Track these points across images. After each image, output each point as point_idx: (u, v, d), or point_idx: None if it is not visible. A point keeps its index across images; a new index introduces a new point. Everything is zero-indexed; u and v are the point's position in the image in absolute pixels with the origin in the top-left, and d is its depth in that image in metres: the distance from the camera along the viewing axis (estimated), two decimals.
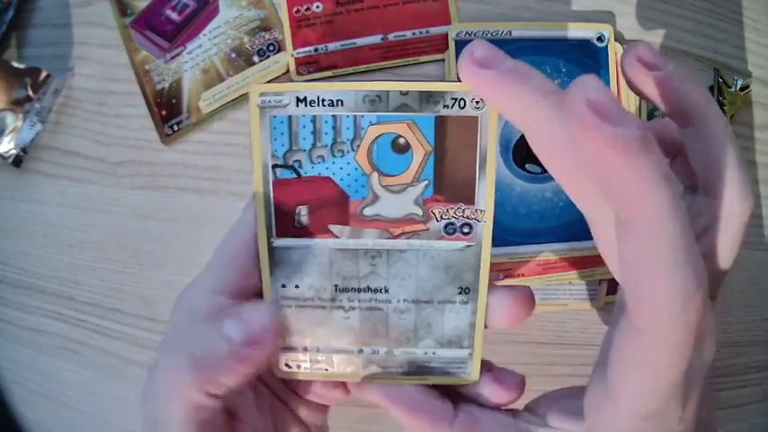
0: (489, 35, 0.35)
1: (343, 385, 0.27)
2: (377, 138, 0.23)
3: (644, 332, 0.18)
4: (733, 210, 0.21)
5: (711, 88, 0.36)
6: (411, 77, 0.36)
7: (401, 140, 0.22)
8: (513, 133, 0.36)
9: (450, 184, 0.23)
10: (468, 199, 0.23)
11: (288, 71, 0.36)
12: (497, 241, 0.35)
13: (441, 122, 0.22)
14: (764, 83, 0.37)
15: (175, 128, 0.37)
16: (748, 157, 0.37)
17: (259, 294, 0.24)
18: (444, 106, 0.22)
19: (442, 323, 0.24)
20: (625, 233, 0.17)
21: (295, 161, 0.23)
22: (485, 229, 0.23)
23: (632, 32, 0.36)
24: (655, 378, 0.18)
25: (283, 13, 0.36)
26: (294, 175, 0.23)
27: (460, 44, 0.35)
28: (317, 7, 0.36)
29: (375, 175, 0.23)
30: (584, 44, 0.35)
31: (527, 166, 0.36)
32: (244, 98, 0.36)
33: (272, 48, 0.37)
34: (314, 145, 0.23)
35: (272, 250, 0.23)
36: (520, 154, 0.35)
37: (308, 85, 0.22)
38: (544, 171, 0.35)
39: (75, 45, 0.38)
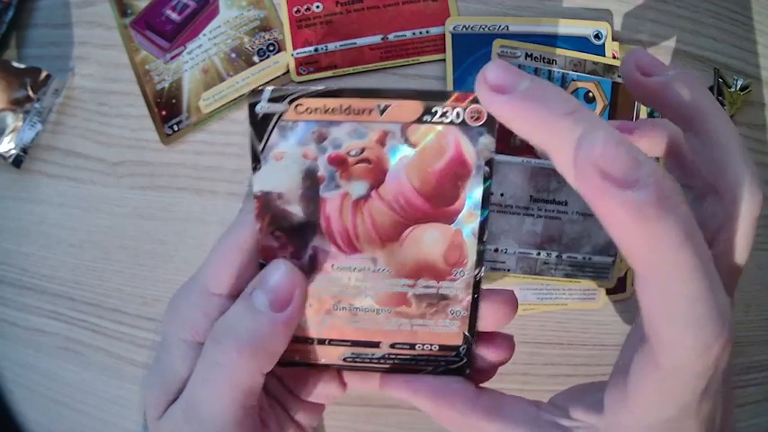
0: (486, 29, 0.35)
1: (341, 380, 0.27)
2: (576, 90, 0.35)
3: (662, 366, 0.17)
4: (743, 208, 0.21)
5: (711, 88, 0.36)
6: (411, 77, 0.36)
7: (590, 94, 0.34)
8: None
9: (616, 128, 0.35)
10: None
11: (288, 71, 0.36)
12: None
13: (615, 86, 0.35)
14: (764, 83, 0.37)
15: (175, 128, 0.37)
16: None
17: None
18: (618, 76, 0.34)
19: (598, 234, 0.33)
20: (642, 286, 0.17)
21: None
22: None
23: (632, 32, 0.36)
24: (670, 400, 0.18)
25: (283, 13, 0.36)
26: None
27: (457, 37, 0.35)
28: (317, 7, 0.36)
29: None
30: (581, 41, 0.35)
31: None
32: (244, 98, 0.36)
33: (272, 48, 0.37)
34: None
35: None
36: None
37: (535, 46, 0.34)
38: None
39: (76, 45, 0.38)
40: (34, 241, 0.38)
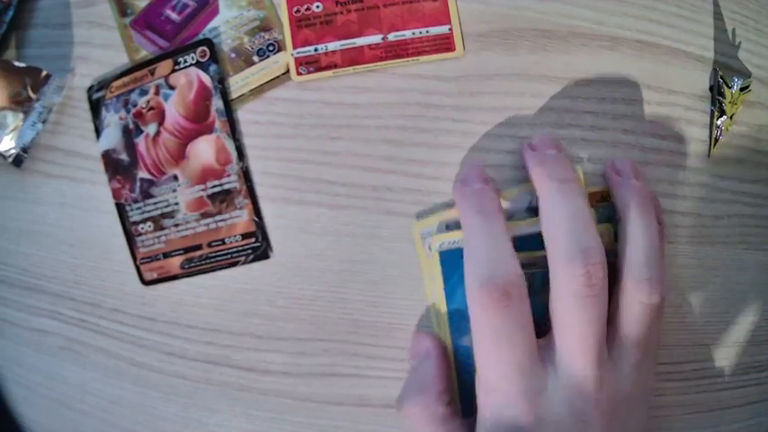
0: None
1: None
2: None
3: None
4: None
5: (711, 88, 0.36)
6: (411, 77, 0.36)
7: None
8: None
9: None
10: None
11: (288, 71, 0.36)
12: None
13: None
14: (764, 83, 0.37)
15: None
16: (749, 157, 0.37)
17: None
18: None
19: None
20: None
21: None
22: None
23: (631, 32, 0.36)
24: None
25: (283, 13, 0.36)
26: None
27: None
28: (317, 7, 0.36)
29: None
30: None
31: None
32: (242, 98, 0.36)
33: (271, 48, 0.37)
34: None
35: None
36: None
37: None
38: None
39: (75, 45, 0.38)
40: (34, 241, 0.38)
